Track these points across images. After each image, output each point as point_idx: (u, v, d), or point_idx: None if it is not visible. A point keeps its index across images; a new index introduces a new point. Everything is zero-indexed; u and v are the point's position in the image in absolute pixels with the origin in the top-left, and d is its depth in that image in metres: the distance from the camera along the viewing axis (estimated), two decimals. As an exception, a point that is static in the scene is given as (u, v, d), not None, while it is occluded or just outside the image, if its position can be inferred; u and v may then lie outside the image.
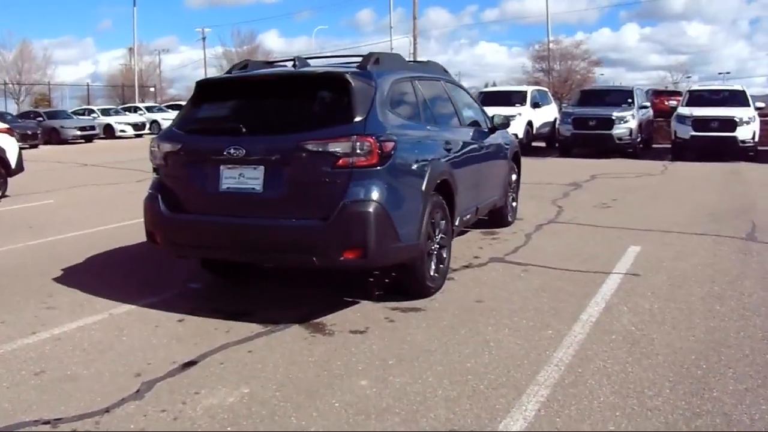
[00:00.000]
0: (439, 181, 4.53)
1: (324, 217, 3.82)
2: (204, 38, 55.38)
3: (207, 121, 4.49)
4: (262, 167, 3.98)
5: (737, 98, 14.92)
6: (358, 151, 3.80)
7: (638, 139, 15.57)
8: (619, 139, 15.16)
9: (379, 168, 3.86)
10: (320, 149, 3.84)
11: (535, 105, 17.40)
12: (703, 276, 4.96)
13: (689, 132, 14.19)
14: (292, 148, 3.90)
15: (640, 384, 3.08)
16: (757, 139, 14.03)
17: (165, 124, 30.81)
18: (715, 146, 13.93)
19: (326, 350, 3.60)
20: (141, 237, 6.76)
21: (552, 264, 5.39)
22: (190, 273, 5.18)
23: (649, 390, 3.01)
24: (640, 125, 15.71)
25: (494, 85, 35.01)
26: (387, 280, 4.47)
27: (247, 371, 3.33)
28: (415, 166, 4.28)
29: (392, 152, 3.96)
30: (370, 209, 3.80)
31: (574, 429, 2.68)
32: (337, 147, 3.82)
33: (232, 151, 4.00)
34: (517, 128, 15.09)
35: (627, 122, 15.17)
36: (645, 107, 17.00)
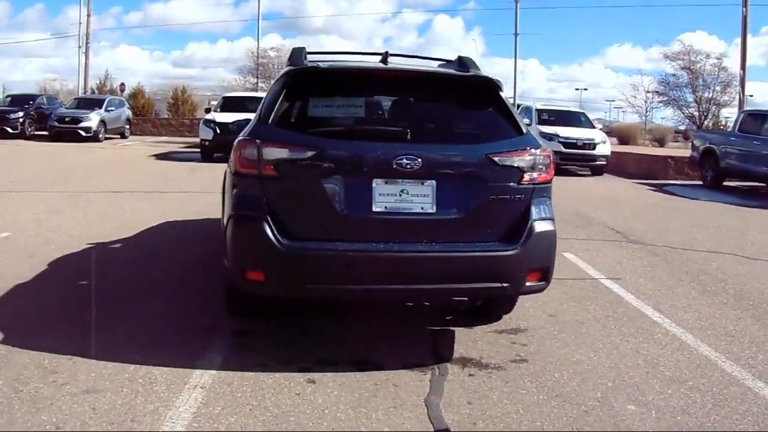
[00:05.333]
0: None
1: (508, 239, 3.70)
2: None
3: (345, 121, 3.85)
4: (432, 182, 3.60)
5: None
6: (540, 165, 3.79)
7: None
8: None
9: (550, 184, 3.91)
10: (507, 163, 3.71)
11: None
12: (667, 275, 6.16)
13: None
14: (478, 162, 3.67)
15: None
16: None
17: None
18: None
19: (529, 385, 3.57)
20: (23, 269, 5.12)
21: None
22: (164, 316, 4.28)
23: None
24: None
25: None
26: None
27: (492, 423, 3.15)
28: None
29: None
30: (553, 228, 3.82)
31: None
32: (522, 161, 3.74)
33: (404, 161, 3.51)
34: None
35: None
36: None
